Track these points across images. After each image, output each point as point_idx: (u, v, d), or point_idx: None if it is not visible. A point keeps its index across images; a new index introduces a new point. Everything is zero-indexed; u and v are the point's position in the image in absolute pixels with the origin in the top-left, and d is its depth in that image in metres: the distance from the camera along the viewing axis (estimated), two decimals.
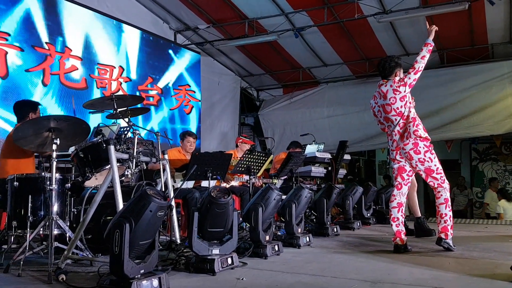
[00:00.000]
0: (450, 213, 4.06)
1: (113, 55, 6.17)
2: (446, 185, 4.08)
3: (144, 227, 2.51)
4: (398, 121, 4.10)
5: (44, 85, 4.75)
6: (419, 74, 4.09)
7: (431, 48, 4.16)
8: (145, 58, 7.34)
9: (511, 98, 8.50)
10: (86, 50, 5.53)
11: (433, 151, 4.08)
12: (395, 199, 4.16)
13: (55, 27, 4.79)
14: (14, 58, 4.39)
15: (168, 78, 7.98)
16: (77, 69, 5.34)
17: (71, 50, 5.14)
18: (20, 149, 3.99)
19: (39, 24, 4.60)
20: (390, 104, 4.11)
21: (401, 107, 4.08)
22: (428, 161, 4.04)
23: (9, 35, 4.26)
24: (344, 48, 9.07)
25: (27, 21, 4.48)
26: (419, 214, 5.23)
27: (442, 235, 4.00)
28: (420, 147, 4.03)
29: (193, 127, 8.59)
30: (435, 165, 4.05)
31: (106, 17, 6.62)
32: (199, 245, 3.16)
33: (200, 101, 8.63)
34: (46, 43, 4.80)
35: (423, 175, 4.13)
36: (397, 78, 4.14)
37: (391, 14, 7.22)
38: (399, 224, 4.07)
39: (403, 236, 4.04)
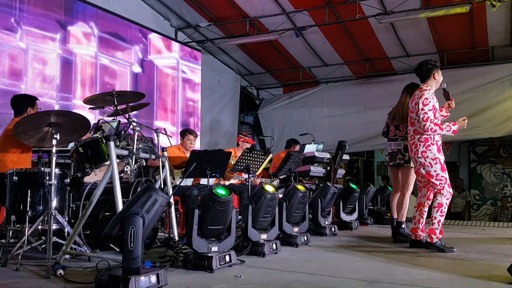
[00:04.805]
0: (440, 218, 4.10)
1: None
2: (445, 192, 4.10)
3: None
4: (410, 131, 4.27)
5: None
6: (427, 123, 4.06)
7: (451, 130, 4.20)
8: None
9: (510, 101, 8.50)
10: None
11: (435, 157, 4.09)
12: (416, 200, 4.47)
13: None
14: None
15: None
16: None
17: None
18: (19, 143, 3.99)
19: None
20: (409, 110, 4.32)
21: (414, 119, 4.21)
22: (428, 165, 4.09)
23: None
24: (345, 48, 9.07)
25: None
26: (403, 219, 4.85)
27: (428, 239, 4.13)
28: (424, 153, 4.12)
29: None
30: (435, 171, 4.09)
31: None
32: (198, 242, 3.16)
33: None
34: None
35: (425, 180, 4.24)
36: (428, 92, 4.18)
37: (392, 15, 7.23)
38: (416, 222, 4.33)
39: (418, 232, 4.29)
